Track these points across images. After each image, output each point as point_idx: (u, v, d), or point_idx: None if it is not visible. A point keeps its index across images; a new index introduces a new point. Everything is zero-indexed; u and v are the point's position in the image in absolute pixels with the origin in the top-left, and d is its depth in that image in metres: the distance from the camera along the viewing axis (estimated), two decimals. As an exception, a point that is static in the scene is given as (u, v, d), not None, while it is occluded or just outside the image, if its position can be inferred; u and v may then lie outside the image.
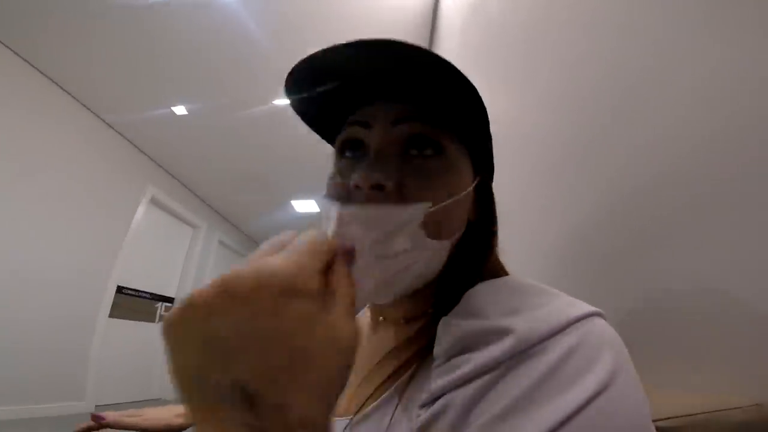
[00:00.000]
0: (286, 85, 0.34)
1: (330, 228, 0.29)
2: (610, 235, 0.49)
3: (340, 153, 0.36)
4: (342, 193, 0.32)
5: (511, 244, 0.40)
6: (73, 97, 3.02)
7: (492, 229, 0.38)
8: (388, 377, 0.31)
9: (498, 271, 0.37)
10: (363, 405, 0.31)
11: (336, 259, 0.22)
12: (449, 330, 0.28)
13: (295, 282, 0.18)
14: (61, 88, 2.92)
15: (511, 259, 0.39)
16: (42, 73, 2.74)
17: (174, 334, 0.18)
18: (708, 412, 0.31)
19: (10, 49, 2.51)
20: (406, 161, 0.32)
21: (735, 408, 0.30)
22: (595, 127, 0.54)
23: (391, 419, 0.28)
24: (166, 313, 0.18)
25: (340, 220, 0.28)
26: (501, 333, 0.25)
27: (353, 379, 0.32)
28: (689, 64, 0.35)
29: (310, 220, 5.44)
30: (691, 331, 0.36)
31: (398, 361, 0.32)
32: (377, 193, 0.30)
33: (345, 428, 0.30)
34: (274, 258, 0.19)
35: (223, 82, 2.94)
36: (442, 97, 0.31)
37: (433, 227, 0.30)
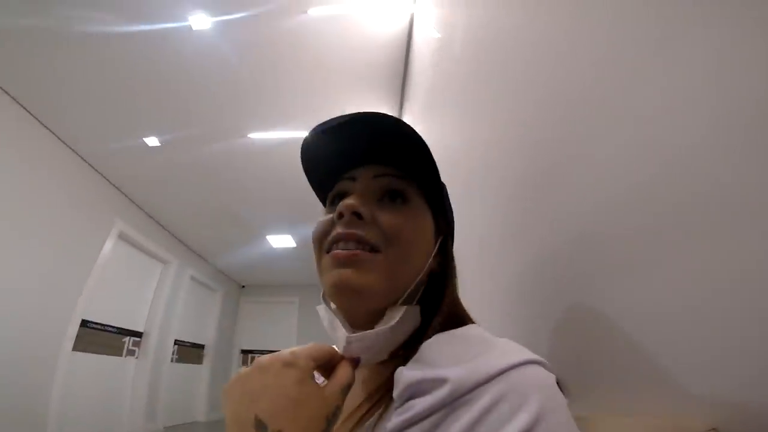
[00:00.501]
0: (302, 148, 0.45)
1: (338, 344, 0.38)
2: (567, 263, 0.49)
3: (331, 203, 0.44)
4: (323, 229, 0.41)
5: (471, 282, 0.43)
6: (41, 123, 2.95)
7: (447, 281, 0.43)
8: (361, 417, 0.36)
9: (462, 319, 0.41)
10: None
11: (342, 361, 0.35)
12: (401, 379, 0.31)
13: (293, 359, 0.31)
14: (30, 113, 2.85)
15: (473, 298, 0.40)
16: (10, 96, 2.68)
17: (228, 391, 0.31)
18: (665, 438, 0.29)
19: None
20: (381, 206, 0.40)
21: (693, 433, 0.29)
22: (545, 156, 0.56)
23: None
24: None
25: (347, 343, 0.37)
26: (440, 382, 0.28)
27: None
28: (655, 95, 0.36)
29: (284, 255, 5.38)
30: (644, 353, 0.35)
31: (369, 404, 0.36)
32: (356, 221, 0.38)
33: None
34: (286, 350, 0.32)
35: (197, 114, 2.94)
36: (413, 165, 0.40)
37: (403, 302, 0.39)
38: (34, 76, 2.54)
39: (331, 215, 0.40)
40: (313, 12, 2.17)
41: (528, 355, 0.29)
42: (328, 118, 0.40)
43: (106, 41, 2.29)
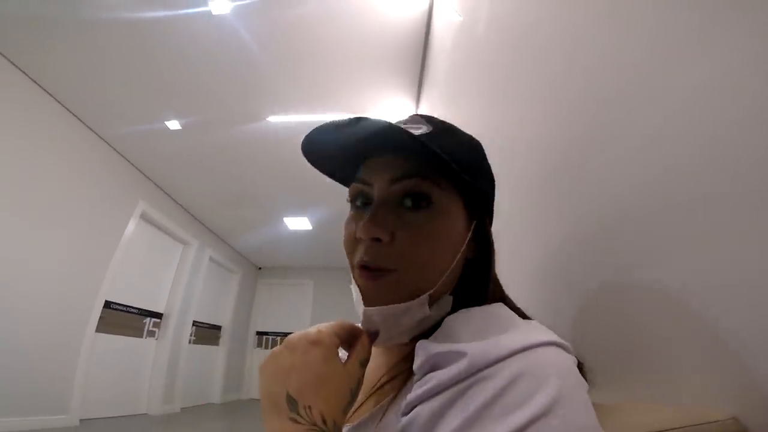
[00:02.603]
0: (303, 149, 0.43)
1: (360, 317, 0.39)
2: (589, 250, 0.49)
3: (352, 201, 0.44)
4: (351, 241, 0.41)
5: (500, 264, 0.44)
6: (66, 108, 3.02)
7: (488, 267, 0.42)
8: (381, 389, 0.38)
9: (495, 297, 0.41)
10: (356, 411, 0.38)
11: (362, 335, 0.37)
12: (421, 351, 0.32)
13: (318, 338, 0.33)
14: (55, 99, 2.92)
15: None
16: (36, 83, 2.75)
17: (262, 369, 0.33)
18: (685, 427, 0.30)
19: (6, 58, 2.52)
20: (401, 213, 0.38)
21: (713, 422, 0.29)
22: (576, 142, 0.55)
23: (378, 424, 0.35)
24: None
25: (365, 316, 0.38)
26: (458, 355, 0.29)
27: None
28: (674, 81, 0.36)
29: (300, 237, 5.45)
30: (666, 343, 0.35)
31: (389, 377, 0.38)
32: (375, 245, 0.38)
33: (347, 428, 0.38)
34: (313, 327, 0.34)
35: (217, 98, 2.95)
36: (428, 156, 0.37)
37: (433, 299, 0.38)
38: (59, 62, 2.60)
39: (353, 225, 0.41)
40: (332, -7, 2.14)
41: (549, 336, 0.29)
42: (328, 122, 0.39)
43: (129, 27, 2.32)
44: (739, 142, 0.29)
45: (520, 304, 0.43)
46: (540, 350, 0.28)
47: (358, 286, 0.39)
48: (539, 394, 0.24)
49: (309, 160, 0.45)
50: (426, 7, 2.22)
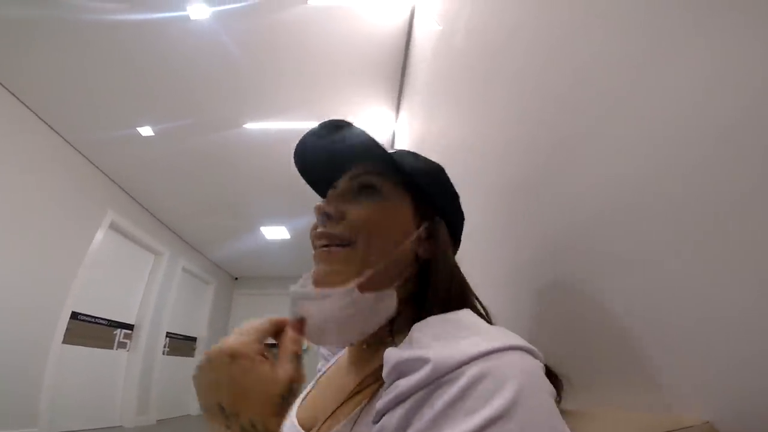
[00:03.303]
0: (295, 164, 0.50)
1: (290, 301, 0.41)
2: (561, 257, 0.49)
3: None
4: (312, 231, 0.44)
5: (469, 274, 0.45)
6: (32, 111, 2.90)
7: (432, 267, 0.43)
8: (352, 398, 0.38)
9: (462, 302, 0.41)
10: (328, 420, 0.38)
11: (286, 328, 0.39)
12: (388, 359, 0.32)
13: (238, 349, 0.34)
14: (22, 102, 2.80)
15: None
16: (1, 85, 2.63)
17: (195, 383, 0.35)
18: (661, 433, 0.30)
19: None
20: (356, 201, 0.43)
21: (687, 427, 0.29)
22: (548, 150, 0.55)
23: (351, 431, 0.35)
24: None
25: (292, 297, 0.41)
26: (422, 362, 0.28)
27: (329, 401, 0.42)
28: (654, 94, 0.36)
29: (278, 247, 5.36)
30: (638, 349, 0.35)
31: (360, 387, 0.38)
32: (326, 221, 0.42)
33: None
34: (231, 338, 0.36)
35: (192, 103, 2.90)
36: (386, 160, 0.43)
37: (368, 286, 0.39)
38: (26, 64, 2.50)
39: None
40: (313, 2, 2.14)
41: (514, 340, 0.29)
42: (301, 142, 0.47)
43: (101, 29, 2.25)
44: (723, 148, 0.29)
45: (493, 309, 0.42)
46: (503, 354, 0.28)
47: (312, 274, 0.41)
48: (497, 396, 0.25)
49: (299, 169, 0.51)
50: (407, 16, 2.26)
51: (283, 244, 5.40)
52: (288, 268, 6.33)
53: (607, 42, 0.44)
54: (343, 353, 0.52)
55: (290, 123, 3.08)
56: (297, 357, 0.36)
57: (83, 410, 3.43)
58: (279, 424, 0.32)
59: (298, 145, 0.48)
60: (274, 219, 4.72)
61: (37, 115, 2.93)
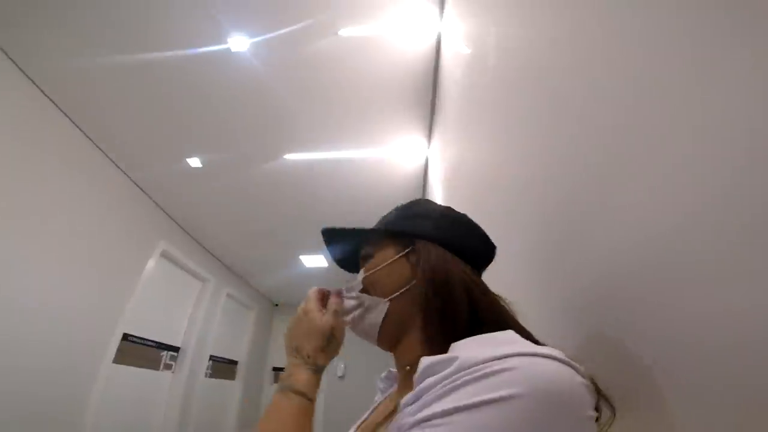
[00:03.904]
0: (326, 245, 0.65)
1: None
2: (607, 291, 0.45)
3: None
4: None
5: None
6: (95, 145, 3.15)
7: (438, 289, 0.47)
8: (392, 409, 0.45)
9: (497, 324, 0.43)
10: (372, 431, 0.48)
11: (331, 295, 0.56)
12: (421, 363, 0.34)
13: (308, 307, 0.54)
14: (86, 135, 3.06)
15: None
16: (68, 117, 2.88)
17: (285, 334, 0.55)
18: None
19: (40, 90, 2.67)
20: (362, 270, 0.56)
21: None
22: (589, 178, 0.52)
23: None
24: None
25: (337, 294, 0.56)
26: (450, 361, 0.30)
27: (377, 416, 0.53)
28: (694, 119, 0.33)
29: (316, 275, 5.43)
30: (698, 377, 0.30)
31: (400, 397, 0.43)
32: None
33: None
34: (306, 304, 0.55)
35: (236, 135, 3.04)
36: (366, 234, 0.58)
37: (368, 287, 0.53)
38: (91, 101, 2.75)
39: None
40: (344, 33, 2.23)
41: (553, 352, 0.29)
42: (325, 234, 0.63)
43: (153, 67, 2.45)
44: None
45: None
46: (533, 358, 0.28)
47: None
48: (506, 387, 0.25)
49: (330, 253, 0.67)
50: (434, 41, 2.30)
51: (320, 272, 5.47)
52: (326, 295, 6.36)
53: (662, 60, 0.40)
54: (396, 386, 0.58)
55: (327, 153, 3.18)
56: (336, 312, 0.53)
57: (124, 429, 3.52)
58: (325, 359, 0.50)
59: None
60: (312, 248, 4.81)
61: (97, 146, 3.18)
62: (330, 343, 0.51)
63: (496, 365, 0.27)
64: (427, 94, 2.66)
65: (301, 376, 0.46)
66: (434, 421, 0.26)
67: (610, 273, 0.44)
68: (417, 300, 0.48)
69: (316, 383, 0.47)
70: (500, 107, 1.06)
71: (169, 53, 2.37)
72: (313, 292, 0.55)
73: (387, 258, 0.53)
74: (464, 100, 1.62)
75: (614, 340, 0.43)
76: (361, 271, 0.55)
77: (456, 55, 1.82)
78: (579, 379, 0.28)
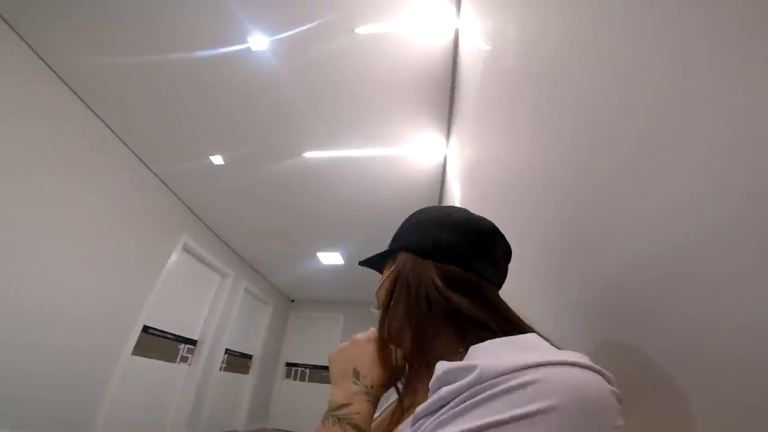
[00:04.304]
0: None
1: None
2: (641, 281, 0.43)
3: None
4: None
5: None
6: (122, 141, 3.29)
7: (411, 296, 0.47)
8: (402, 410, 0.47)
9: (510, 330, 0.41)
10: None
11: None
12: (438, 368, 0.33)
13: (373, 336, 0.51)
14: (114, 133, 3.20)
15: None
16: (95, 113, 3.01)
17: (333, 357, 0.51)
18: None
19: (69, 87, 2.79)
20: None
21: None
22: (604, 178, 0.51)
23: None
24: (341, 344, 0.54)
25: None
26: (470, 369, 0.29)
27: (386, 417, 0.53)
28: (714, 120, 0.32)
29: (332, 272, 5.48)
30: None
31: (408, 401, 0.47)
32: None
33: None
34: (368, 332, 0.53)
35: (256, 133, 3.09)
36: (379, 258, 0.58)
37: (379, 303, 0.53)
38: (118, 98, 2.87)
39: None
40: (360, 30, 2.23)
41: (576, 358, 0.28)
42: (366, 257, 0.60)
43: (178, 66, 2.53)
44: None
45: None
46: (559, 367, 0.27)
47: None
48: (535, 402, 0.24)
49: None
50: (451, 38, 2.27)
51: (337, 269, 5.51)
52: (341, 292, 6.43)
53: (690, 60, 0.38)
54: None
55: (345, 151, 3.20)
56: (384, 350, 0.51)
57: (137, 421, 3.59)
58: (383, 392, 0.48)
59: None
60: (329, 245, 4.85)
61: (124, 143, 3.32)
62: (392, 379, 0.49)
63: (523, 377, 0.26)
64: (445, 92, 2.63)
65: (362, 408, 0.43)
66: None
67: (625, 277, 0.43)
68: (396, 309, 0.48)
69: (372, 417, 0.44)
70: (518, 107, 1.04)
71: (194, 54, 2.45)
72: (373, 332, 0.53)
73: (384, 276, 0.55)
74: (482, 98, 1.59)
75: (624, 344, 0.42)
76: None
77: (474, 53, 1.80)
78: (608, 386, 0.27)
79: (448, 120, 2.84)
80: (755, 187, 0.26)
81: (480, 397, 0.26)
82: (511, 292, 0.50)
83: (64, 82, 2.73)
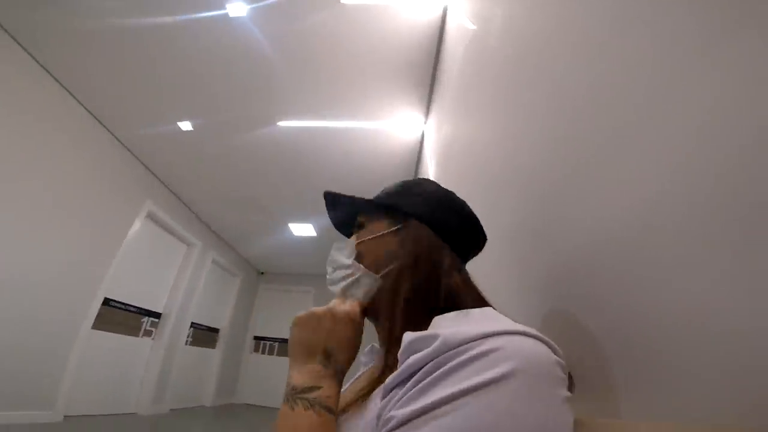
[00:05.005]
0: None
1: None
2: (597, 265, 0.47)
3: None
4: None
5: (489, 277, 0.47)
6: (80, 103, 3.08)
7: (419, 269, 0.48)
8: (369, 385, 0.42)
9: (467, 302, 0.45)
10: (352, 403, 0.42)
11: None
12: (404, 338, 0.35)
13: (355, 317, 0.46)
14: (74, 97, 3.00)
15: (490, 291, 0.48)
16: (58, 82, 2.83)
17: (300, 322, 0.45)
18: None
19: (29, 54, 2.61)
20: (356, 237, 0.56)
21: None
22: (584, 155, 0.53)
23: (364, 412, 0.38)
24: (300, 314, 0.46)
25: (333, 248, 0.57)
26: (432, 339, 0.31)
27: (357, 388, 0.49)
28: (690, 102, 0.34)
29: (304, 244, 5.45)
30: (684, 357, 0.33)
31: (379, 374, 0.43)
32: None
33: (343, 419, 0.42)
34: (347, 305, 0.47)
35: (229, 99, 2.98)
36: (362, 205, 0.58)
37: (360, 256, 0.53)
38: (79, 61, 2.67)
39: None
40: (347, 1, 2.15)
41: (532, 331, 0.31)
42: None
43: (147, 29, 2.37)
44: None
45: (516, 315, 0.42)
46: (513, 336, 0.30)
47: None
48: (492, 370, 0.27)
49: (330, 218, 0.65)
50: (439, 14, 2.23)
51: (309, 241, 5.47)
52: (312, 265, 6.42)
53: (659, 44, 0.41)
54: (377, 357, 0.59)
55: (321, 122, 3.13)
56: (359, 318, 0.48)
57: (101, 396, 3.53)
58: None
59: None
60: (302, 216, 4.80)
61: (84, 107, 3.10)
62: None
63: (483, 345, 0.28)
64: (428, 70, 2.60)
65: (333, 392, 0.40)
66: (439, 410, 0.26)
67: (577, 261, 0.48)
68: (400, 277, 0.47)
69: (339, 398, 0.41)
70: (496, 91, 1.06)
71: (167, 18, 2.29)
72: (358, 309, 0.48)
73: (378, 230, 0.54)
74: (463, 79, 1.60)
75: (571, 321, 0.47)
76: (353, 237, 0.56)
77: (459, 34, 1.78)
78: (554, 357, 0.30)
79: (428, 97, 2.82)
80: (710, 183, 0.29)
81: (447, 366, 0.28)
82: (479, 268, 0.54)
83: (14, 39, 2.51)
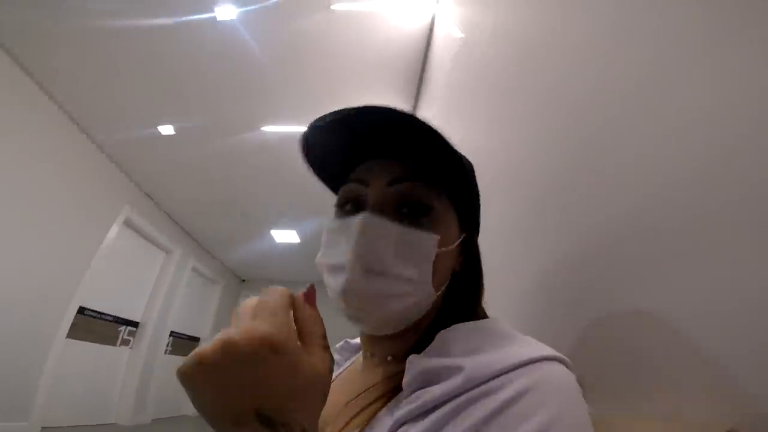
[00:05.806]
0: (301, 142, 0.39)
1: (349, 237, 0.34)
2: (583, 269, 0.48)
3: (341, 206, 0.40)
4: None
5: (493, 280, 0.45)
6: (58, 106, 2.98)
7: (478, 282, 0.42)
8: (367, 407, 0.34)
9: (479, 316, 0.39)
10: (350, 421, 0.34)
11: (296, 303, 0.28)
12: (412, 366, 0.31)
13: (278, 341, 0.23)
14: (50, 98, 2.89)
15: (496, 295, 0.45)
16: (34, 80, 2.73)
17: (191, 382, 0.23)
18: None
19: (11, 56, 2.52)
20: (399, 219, 0.35)
21: (710, 435, 0.28)
22: (573, 160, 0.55)
23: None
24: (182, 363, 0.24)
25: (362, 226, 0.33)
26: (454, 370, 0.28)
27: (339, 410, 0.37)
28: (679, 104, 0.36)
29: (287, 251, 5.38)
30: (659, 356, 0.34)
31: (377, 394, 0.35)
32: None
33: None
34: (259, 322, 0.24)
35: (213, 103, 2.94)
36: (431, 160, 0.35)
37: (433, 269, 0.36)
38: (58, 63, 2.59)
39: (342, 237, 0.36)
40: (336, 7, 2.16)
41: (550, 351, 0.29)
42: (332, 111, 0.35)
43: (130, 31, 2.32)
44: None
45: (516, 317, 0.42)
46: (543, 365, 0.27)
47: None
48: (541, 410, 0.24)
49: (306, 158, 0.41)
50: (427, 22, 2.25)
51: (292, 248, 5.40)
52: (295, 273, 6.32)
53: (641, 51, 0.43)
54: (356, 358, 0.49)
55: (305, 127, 3.10)
56: (325, 340, 0.27)
57: (78, 406, 3.41)
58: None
59: (314, 124, 0.37)
60: (284, 223, 4.73)
61: (63, 109, 3.00)
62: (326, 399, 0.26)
63: (514, 384, 0.26)
64: (414, 77, 2.62)
65: None
66: None
67: (578, 261, 0.48)
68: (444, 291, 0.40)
69: None
70: (486, 97, 1.08)
71: (153, 20, 2.24)
72: (278, 305, 0.26)
73: (453, 236, 0.38)
74: (450, 86, 1.62)
75: (575, 324, 0.47)
76: (430, 236, 0.35)
77: (447, 41, 1.81)
78: (576, 382, 0.28)
79: (414, 105, 2.85)
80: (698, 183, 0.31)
81: (478, 417, 0.25)
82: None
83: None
